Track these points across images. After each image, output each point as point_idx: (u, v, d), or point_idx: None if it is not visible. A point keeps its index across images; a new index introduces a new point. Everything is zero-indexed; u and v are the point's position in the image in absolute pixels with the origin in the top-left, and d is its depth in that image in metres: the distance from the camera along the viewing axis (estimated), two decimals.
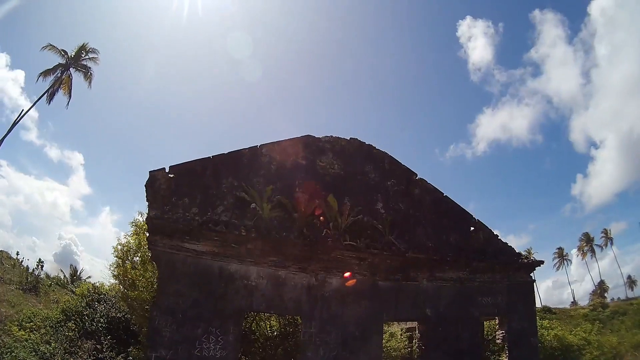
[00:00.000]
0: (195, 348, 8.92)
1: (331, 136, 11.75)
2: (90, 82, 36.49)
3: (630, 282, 74.98)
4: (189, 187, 9.95)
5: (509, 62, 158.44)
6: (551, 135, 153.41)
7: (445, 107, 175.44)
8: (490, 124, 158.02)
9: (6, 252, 27.85)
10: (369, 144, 12.22)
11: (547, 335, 25.18)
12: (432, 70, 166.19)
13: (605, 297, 64.68)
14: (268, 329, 14.85)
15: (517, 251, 13.19)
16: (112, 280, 16.98)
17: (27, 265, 23.76)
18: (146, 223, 9.90)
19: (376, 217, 11.43)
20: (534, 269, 13.26)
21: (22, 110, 36.62)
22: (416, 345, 14.36)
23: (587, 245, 75.26)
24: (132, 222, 15.68)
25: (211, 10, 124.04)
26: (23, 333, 15.40)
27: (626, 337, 35.71)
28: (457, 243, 12.20)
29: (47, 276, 26.65)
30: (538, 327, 16.09)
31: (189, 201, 9.87)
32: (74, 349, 15.52)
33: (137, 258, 14.94)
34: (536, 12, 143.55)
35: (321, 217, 10.76)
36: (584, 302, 66.17)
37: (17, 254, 25.64)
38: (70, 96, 36.19)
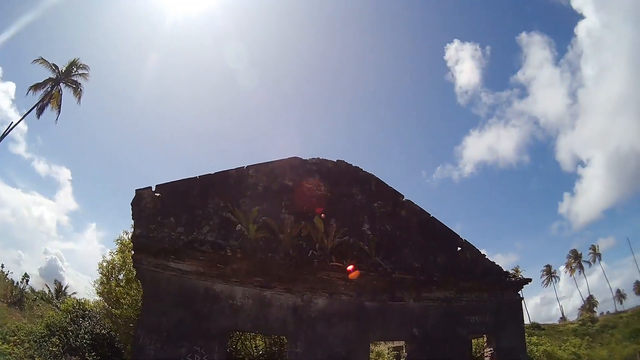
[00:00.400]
0: None
1: (318, 158, 11.83)
2: (79, 98, 36.20)
3: (620, 295, 75.44)
4: (175, 207, 9.93)
5: (495, 85, 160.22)
6: (538, 156, 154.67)
7: (432, 129, 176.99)
8: (477, 146, 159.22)
9: None
10: (355, 166, 12.32)
11: (536, 351, 25.27)
12: (419, 93, 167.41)
13: (594, 312, 65.03)
14: (253, 348, 14.74)
15: (504, 270, 13.28)
16: (97, 297, 16.77)
17: (12, 279, 23.43)
18: (131, 241, 9.86)
19: (362, 239, 11.46)
20: (522, 287, 13.30)
21: (12, 122, 36.22)
22: None
23: (575, 261, 75.61)
24: (118, 240, 15.57)
25: (199, 26, 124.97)
26: (7, 347, 15.09)
27: (616, 350, 35.85)
28: (444, 263, 12.24)
29: (32, 290, 26.29)
30: (527, 343, 16.13)
31: (175, 220, 9.84)
32: None
33: (122, 276, 14.80)
34: (523, 35, 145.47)
35: (307, 238, 10.76)
36: (572, 317, 66.50)
37: (2, 266, 25.26)
38: (59, 111, 35.83)
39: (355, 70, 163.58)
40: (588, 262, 75.21)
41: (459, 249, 12.75)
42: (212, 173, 10.56)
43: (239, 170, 10.84)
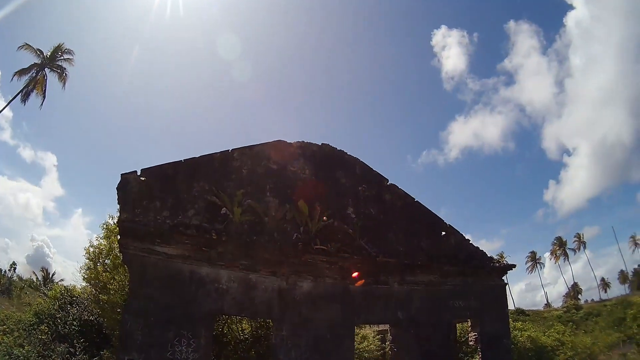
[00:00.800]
0: (167, 351, 8.88)
1: (303, 141, 11.82)
2: (64, 83, 35.87)
3: (604, 284, 77.01)
4: (160, 191, 9.91)
5: (482, 72, 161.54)
6: (523, 143, 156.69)
7: (418, 114, 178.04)
8: (462, 132, 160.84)
9: None
10: (340, 150, 12.35)
11: (521, 337, 25.78)
12: (405, 77, 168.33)
13: (579, 299, 66.38)
14: (240, 332, 14.85)
15: (488, 255, 13.50)
16: (83, 283, 16.74)
17: (0, 268, 23.30)
18: (117, 226, 9.83)
19: (347, 222, 11.56)
20: (506, 273, 13.55)
21: None
22: (388, 347, 14.58)
23: (560, 249, 76.80)
24: (104, 225, 15.51)
25: (191, 11, 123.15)
26: None
27: (600, 338, 36.56)
28: (428, 247, 12.41)
29: (20, 278, 26.18)
30: (511, 328, 16.46)
31: (161, 204, 9.83)
32: (47, 352, 15.28)
33: (109, 261, 14.78)
34: (511, 23, 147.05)
35: (292, 222, 10.83)
36: (557, 304, 67.84)
37: None
38: (44, 96, 35.55)
39: (342, 55, 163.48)
40: (573, 249, 76.65)
41: (443, 233, 12.93)
42: (197, 156, 10.51)
43: (224, 153, 10.81)
